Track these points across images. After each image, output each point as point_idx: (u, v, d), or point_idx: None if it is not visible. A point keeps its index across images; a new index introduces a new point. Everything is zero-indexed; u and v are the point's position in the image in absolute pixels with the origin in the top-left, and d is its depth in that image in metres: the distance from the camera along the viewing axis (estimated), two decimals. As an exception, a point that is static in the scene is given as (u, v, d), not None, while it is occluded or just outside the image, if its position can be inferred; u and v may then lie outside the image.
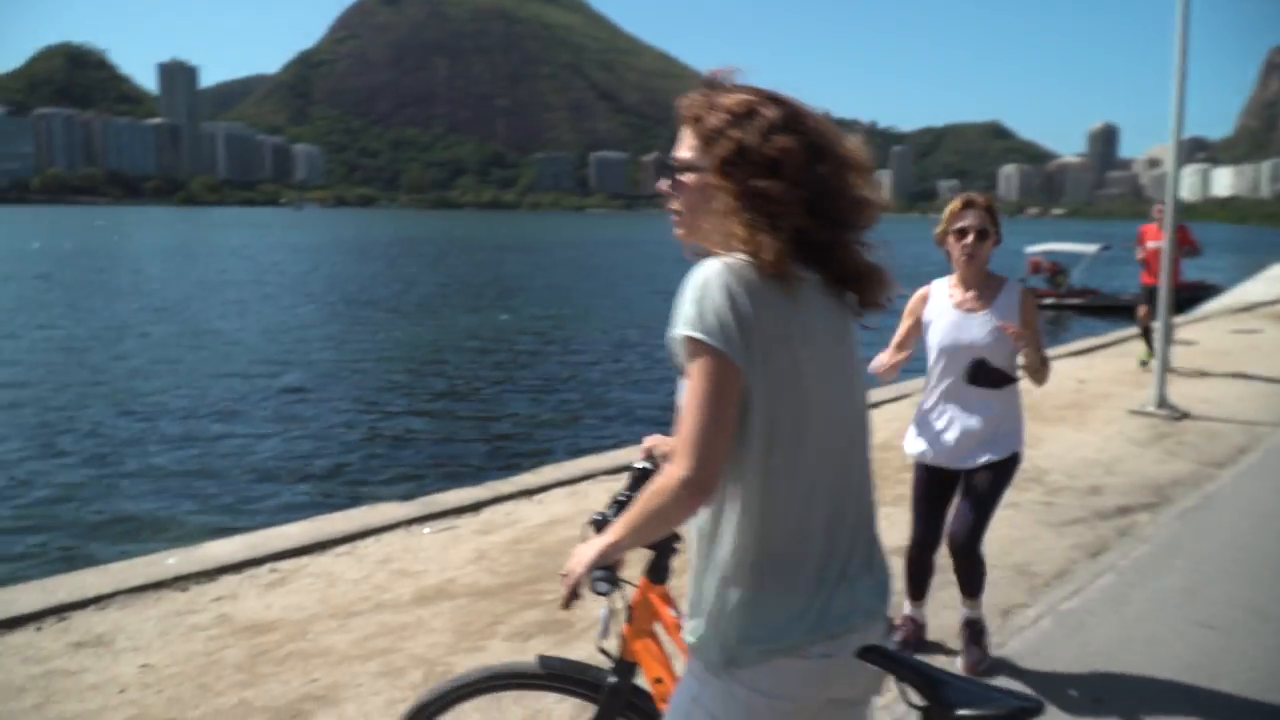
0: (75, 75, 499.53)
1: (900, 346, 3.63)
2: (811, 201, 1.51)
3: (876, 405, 8.07)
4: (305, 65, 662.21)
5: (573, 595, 1.71)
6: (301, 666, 3.61)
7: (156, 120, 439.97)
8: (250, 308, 25.89)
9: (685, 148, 1.60)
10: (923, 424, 3.62)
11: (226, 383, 14.79)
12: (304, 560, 4.75)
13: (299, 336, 20.20)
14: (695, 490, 1.44)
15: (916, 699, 1.53)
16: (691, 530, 1.62)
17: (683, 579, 1.68)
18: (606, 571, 1.74)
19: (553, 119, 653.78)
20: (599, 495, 5.90)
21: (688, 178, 1.59)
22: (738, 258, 1.49)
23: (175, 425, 11.88)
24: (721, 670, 1.53)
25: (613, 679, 1.98)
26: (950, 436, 3.51)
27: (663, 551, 1.99)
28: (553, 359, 18.16)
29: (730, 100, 1.56)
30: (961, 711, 1.45)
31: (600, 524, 1.89)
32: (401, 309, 26.34)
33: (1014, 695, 1.50)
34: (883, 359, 3.55)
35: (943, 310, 3.54)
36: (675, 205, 1.64)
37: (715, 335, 1.44)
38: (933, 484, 3.64)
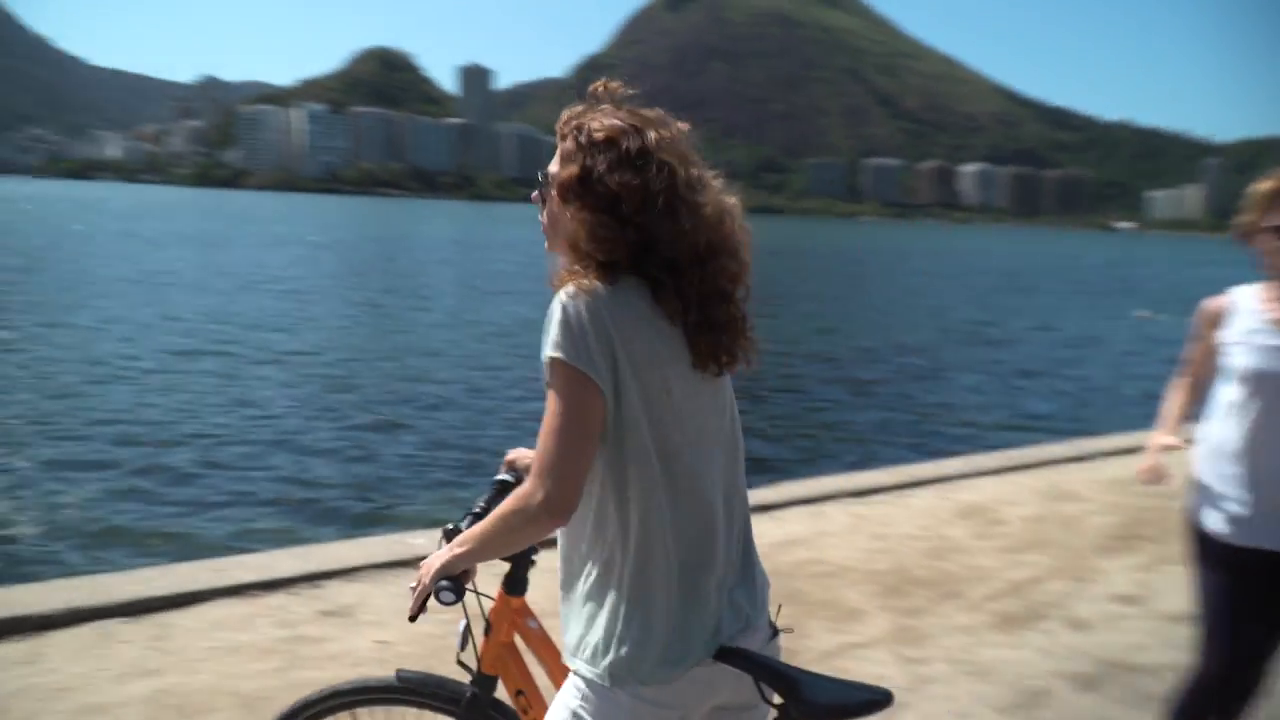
0: (387, 77, 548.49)
1: (1190, 392, 2.86)
2: (645, 244, 1.50)
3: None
4: (591, 69, 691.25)
5: (421, 605, 1.69)
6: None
7: (454, 120, 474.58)
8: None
9: (554, 161, 1.60)
10: (1220, 480, 2.61)
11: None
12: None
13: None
14: (551, 512, 1.45)
15: (775, 698, 1.59)
16: (568, 545, 1.62)
17: (540, 590, 1.77)
18: (453, 582, 1.67)
19: (827, 124, 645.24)
20: (839, 518, 5.60)
21: (551, 192, 1.60)
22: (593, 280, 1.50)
23: (459, 412, 12.54)
24: (608, 684, 1.54)
25: (472, 691, 1.94)
26: (1269, 501, 2.51)
27: (519, 563, 1.94)
28: (806, 369, 17.57)
29: (596, 124, 1.54)
30: (816, 704, 1.51)
31: (452, 534, 1.79)
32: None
33: (866, 688, 1.55)
34: (1161, 439, 2.81)
35: (1252, 327, 2.60)
36: (541, 217, 1.65)
37: (576, 356, 1.44)
38: (1239, 573, 2.54)
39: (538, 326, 1.45)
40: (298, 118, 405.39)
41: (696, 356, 1.55)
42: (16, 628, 3.70)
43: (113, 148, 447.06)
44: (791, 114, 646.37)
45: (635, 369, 1.48)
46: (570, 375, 1.45)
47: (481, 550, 1.61)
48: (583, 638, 1.58)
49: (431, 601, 1.69)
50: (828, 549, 5.11)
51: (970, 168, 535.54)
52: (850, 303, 32.24)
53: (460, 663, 1.94)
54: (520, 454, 2.10)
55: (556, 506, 1.45)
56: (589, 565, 1.58)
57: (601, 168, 1.49)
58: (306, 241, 51.43)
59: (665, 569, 1.53)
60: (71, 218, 66.11)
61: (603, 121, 1.53)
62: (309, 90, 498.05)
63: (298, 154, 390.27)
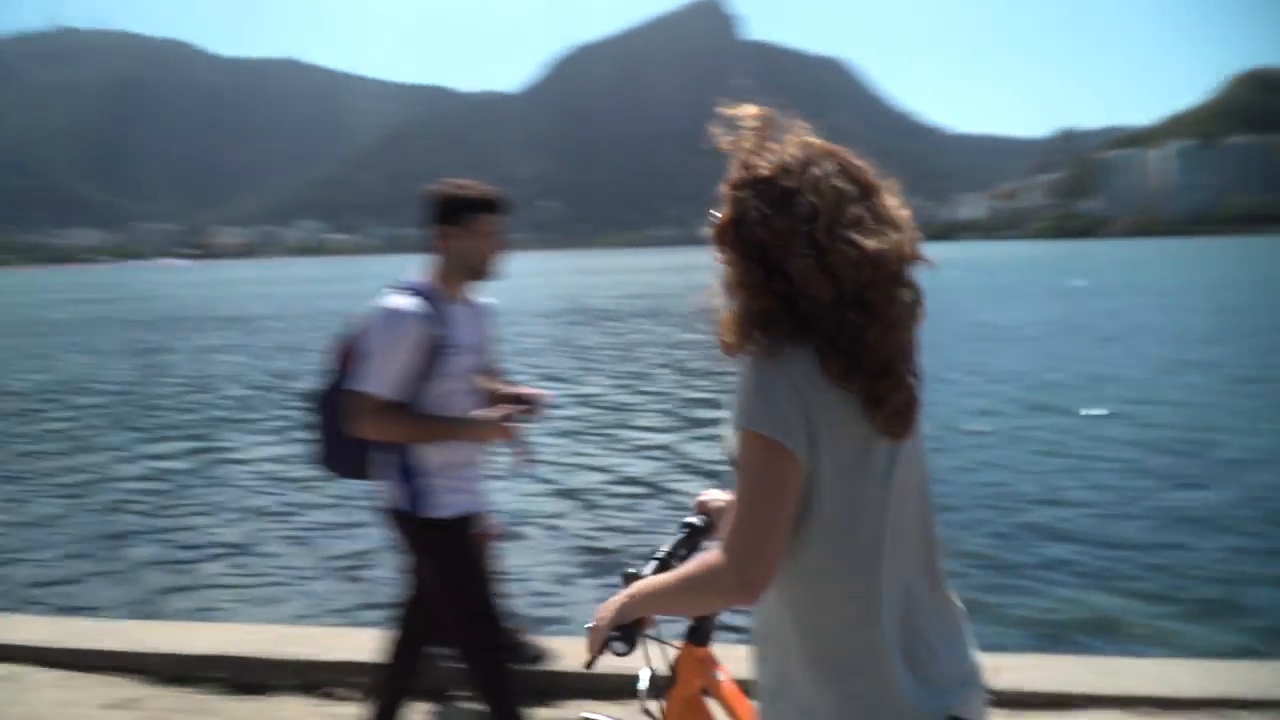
0: (1268, 100, 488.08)
1: None
2: (787, 296, 1.40)
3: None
4: None
5: (598, 651, 1.60)
6: None
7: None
8: None
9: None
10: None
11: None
12: None
13: None
14: (744, 590, 1.37)
15: None
16: (764, 615, 1.55)
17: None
18: (624, 631, 1.57)
19: None
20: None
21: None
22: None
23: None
24: None
25: None
26: None
27: (704, 614, 1.86)
28: None
29: (762, 160, 1.44)
30: None
31: (631, 578, 1.68)
32: None
33: None
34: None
35: None
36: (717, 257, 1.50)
37: (773, 426, 1.36)
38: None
39: None
40: (1161, 157, 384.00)
41: (873, 421, 1.41)
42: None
43: (972, 208, 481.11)
44: None
45: (831, 433, 1.39)
46: (765, 445, 1.36)
47: (659, 606, 1.54)
48: (780, 710, 1.52)
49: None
50: None
51: None
52: None
53: (646, 711, 1.87)
54: (712, 496, 1.98)
55: (749, 586, 1.37)
56: (786, 636, 1.50)
57: (753, 212, 1.41)
58: (1165, 289, 46.56)
59: (866, 642, 1.44)
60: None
61: (772, 159, 1.43)
62: (1174, 127, 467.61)
63: (1161, 195, 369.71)
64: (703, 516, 1.96)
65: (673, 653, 1.88)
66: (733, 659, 1.91)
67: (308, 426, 3.14)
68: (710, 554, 1.41)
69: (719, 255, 1.46)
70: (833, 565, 1.44)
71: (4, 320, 42.84)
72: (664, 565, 1.79)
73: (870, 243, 1.36)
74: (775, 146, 1.44)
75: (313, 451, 3.14)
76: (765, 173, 1.41)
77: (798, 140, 1.44)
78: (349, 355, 3.00)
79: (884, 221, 1.40)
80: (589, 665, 1.62)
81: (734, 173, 1.45)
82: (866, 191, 1.42)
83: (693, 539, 1.91)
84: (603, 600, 1.60)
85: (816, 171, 1.39)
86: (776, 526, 1.36)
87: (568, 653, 3.90)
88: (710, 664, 1.87)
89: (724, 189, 1.46)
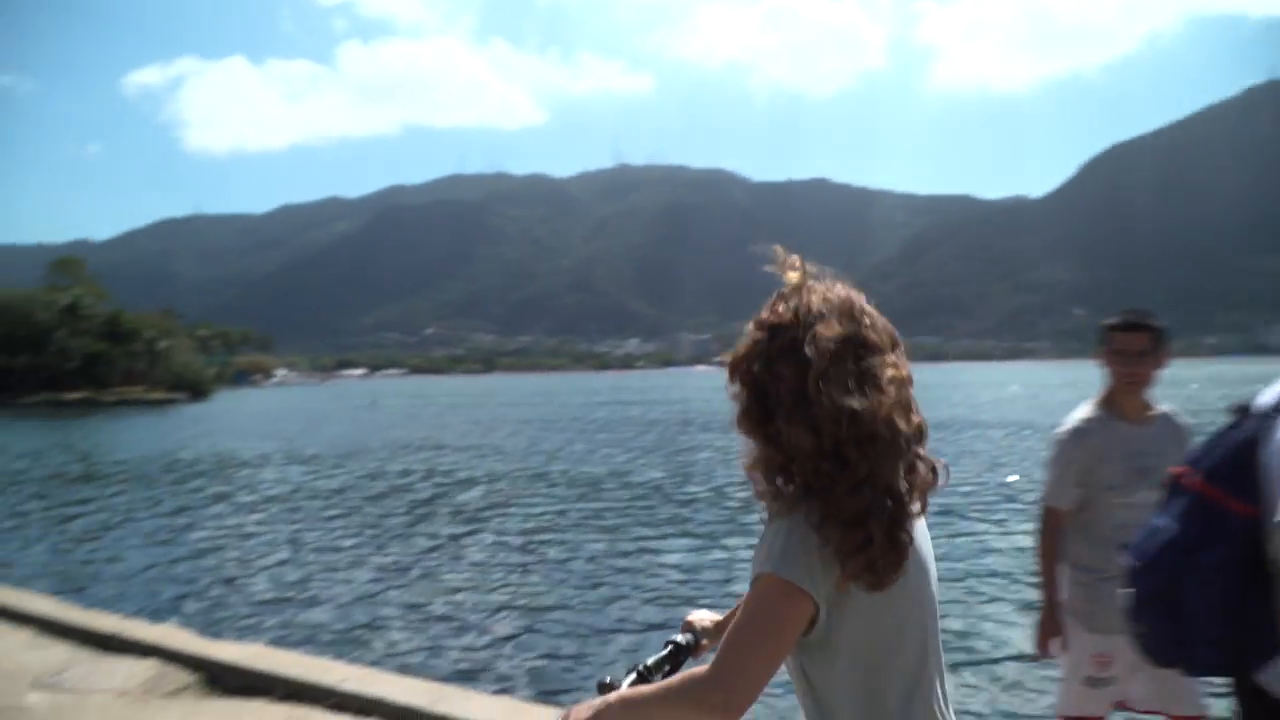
0: None
1: None
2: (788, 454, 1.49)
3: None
4: None
5: None
6: None
7: None
8: None
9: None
10: None
11: None
12: None
13: None
14: (724, 710, 1.42)
15: None
16: None
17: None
18: None
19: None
20: None
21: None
22: None
23: None
24: None
25: None
26: None
27: None
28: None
29: (783, 306, 1.54)
30: None
31: (605, 687, 1.67)
32: None
33: None
34: None
35: None
36: None
37: (795, 573, 1.43)
38: None
39: None
40: None
41: (844, 569, 1.48)
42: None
43: None
44: None
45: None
46: (787, 591, 1.43)
47: (634, 715, 1.53)
48: None
49: None
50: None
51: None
52: None
53: None
54: (700, 617, 2.01)
55: (729, 708, 1.41)
56: None
57: (759, 358, 1.53)
58: None
59: None
60: None
61: (791, 304, 1.54)
62: None
63: None
64: (687, 635, 1.95)
65: None
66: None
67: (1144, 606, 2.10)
68: (696, 670, 1.48)
69: (730, 388, 1.55)
70: (862, 689, 1.50)
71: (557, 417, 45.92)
72: (641, 679, 1.77)
73: (851, 401, 1.42)
74: (804, 294, 1.53)
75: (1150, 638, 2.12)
76: (781, 320, 1.50)
77: (823, 293, 1.52)
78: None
79: (872, 382, 1.45)
80: None
81: (762, 313, 1.55)
82: (867, 351, 1.48)
83: (675, 656, 1.90)
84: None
85: (821, 328, 1.46)
86: (772, 661, 1.43)
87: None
88: None
89: (750, 326, 1.56)
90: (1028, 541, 10.43)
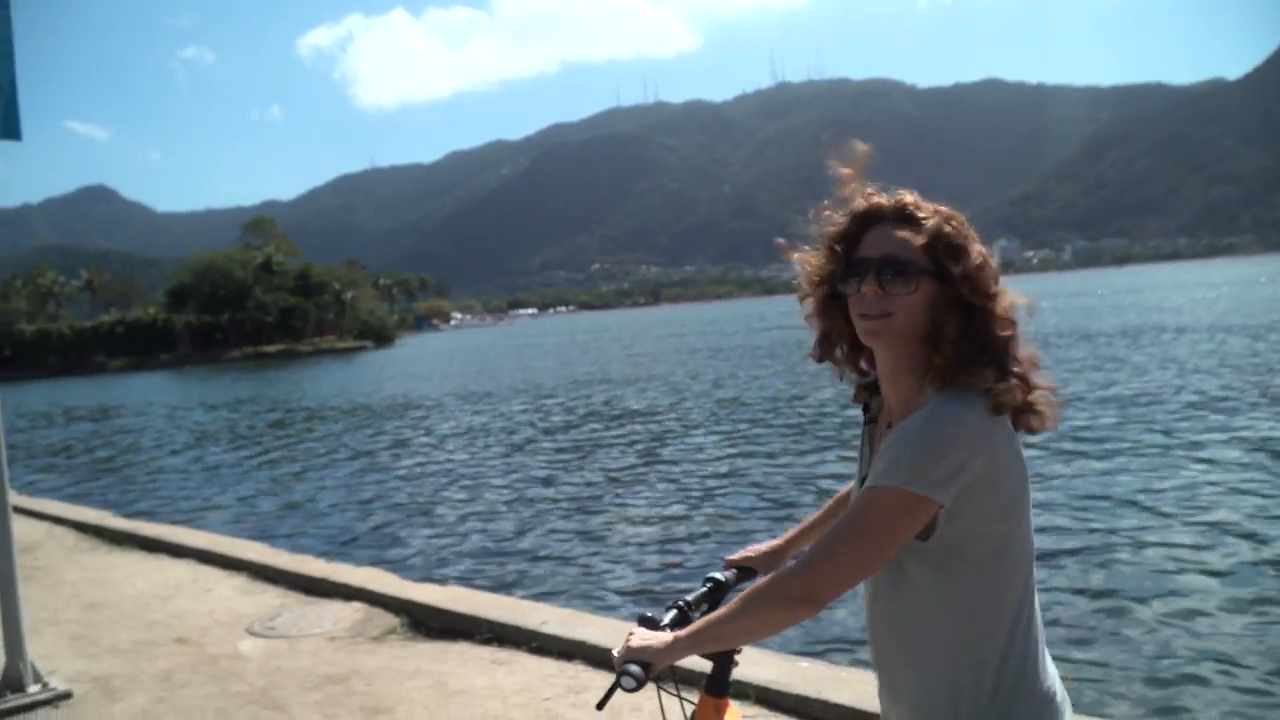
0: None
1: None
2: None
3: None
4: None
5: (610, 692, 1.64)
6: None
7: None
8: None
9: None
10: None
11: None
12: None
13: None
14: (807, 603, 1.43)
15: None
16: (909, 630, 1.55)
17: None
18: (643, 668, 1.56)
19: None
20: None
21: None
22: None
23: None
24: None
25: None
26: None
27: (723, 663, 1.80)
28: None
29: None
30: None
31: (646, 621, 1.69)
32: None
33: None
34: None
35: None
36: None
37: (928, 485, 1.40)
38: None
39: None
40: None
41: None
42: None
43: None
44: None
45: (993, 477, 1.45)
46: (913, 501, 1.40)
47: (712, 637, 1.52)
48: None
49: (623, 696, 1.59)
50: None
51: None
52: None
53: None
54: (747, 553, 2.04)
55: (813, 601, 1.43)
56: (947, 648, 1.52)
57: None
58: None
59: (1027, 650, 1.52)
60: None
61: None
62: None
63: None
64: (728, 573, 1.98)
65: (690, 707, 1.83)
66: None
67: None
68: (783, 569, 1.54)
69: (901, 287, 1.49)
70: (975, 599, 1.48)
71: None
72: (682, 614, 1.78)
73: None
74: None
75: None
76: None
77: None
78: None
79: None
80: (599, 705, 1.66)
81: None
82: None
83: (714, 594, 1.91)
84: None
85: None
86: (867, 564, 1.44)
87: None
88: (727, 712, 1.81)
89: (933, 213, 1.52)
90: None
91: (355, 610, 6.09)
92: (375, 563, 8.23)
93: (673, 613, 1.78)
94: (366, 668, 5.06)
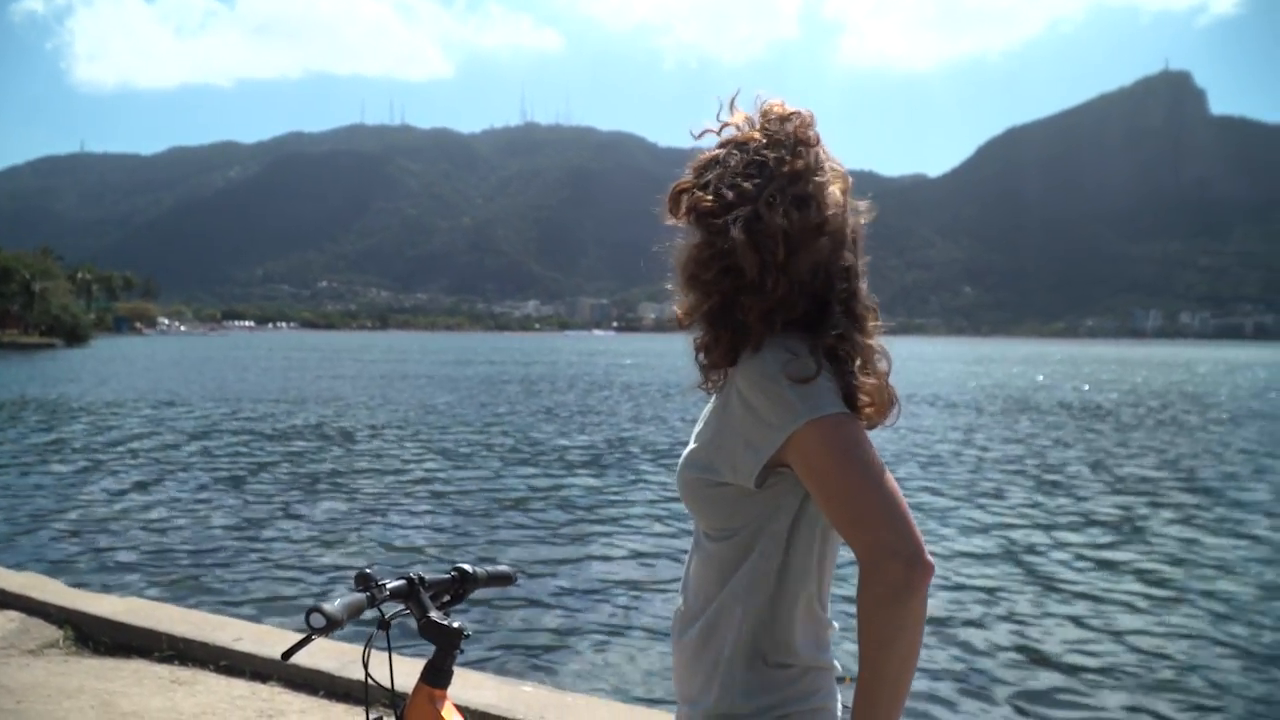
0: None
1: None
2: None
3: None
4: None
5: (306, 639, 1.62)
6: None
7: None
8: None
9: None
10: None
11: None
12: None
13: None
14: (914, 566, 1.20)
15: None
16: (702, 603, 1.44)
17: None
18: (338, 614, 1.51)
19: None
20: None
21: None
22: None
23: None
24: None
25: None
26: None
27: (445, 652, 1.69)
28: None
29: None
30: None
31: (365, 578, 1.66)
32: None
33: None
34: None
35: None
36: None
37: (838, 402, 1.30)
38: None
39: None
40: None
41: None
42: None
43: None
44: None
45: None
46: (845, 420, 1.29)
47: (888, 700, 1.25)
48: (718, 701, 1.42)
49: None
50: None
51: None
52: None
53: None
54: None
55: (921, 558, 1.21)
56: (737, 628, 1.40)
57: None
58: None
59: (820, 619, 1.46)
60: None
61: None
62: None
63: None
64: (480, 568, 1.90)
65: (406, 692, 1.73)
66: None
67: None
68: (860, 576, 1.24)
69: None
70: (815, 565, 1.40)
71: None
72: (411, 586, 1.70)
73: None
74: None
75: None
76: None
77: None
78: None
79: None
80: (287, 655, 1.67)
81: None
82: None
83: (459, 584, 1.85)
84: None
85: None
86: (899, 493, 1.25)
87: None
88: (444, 706, 1.70)
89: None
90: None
91: (9, 619, 5.46)
92: (38, 565, 7.39)
93: (401, 582, 1.69)
94: (18, 684, 4.49)
